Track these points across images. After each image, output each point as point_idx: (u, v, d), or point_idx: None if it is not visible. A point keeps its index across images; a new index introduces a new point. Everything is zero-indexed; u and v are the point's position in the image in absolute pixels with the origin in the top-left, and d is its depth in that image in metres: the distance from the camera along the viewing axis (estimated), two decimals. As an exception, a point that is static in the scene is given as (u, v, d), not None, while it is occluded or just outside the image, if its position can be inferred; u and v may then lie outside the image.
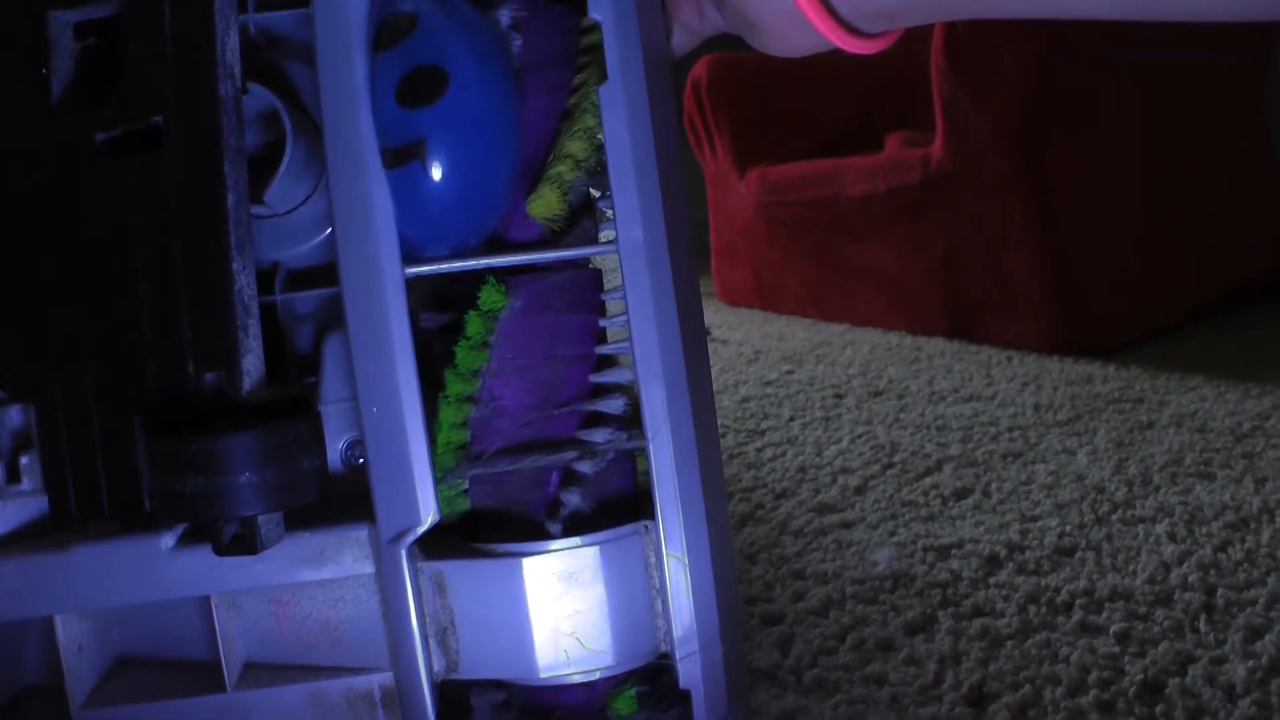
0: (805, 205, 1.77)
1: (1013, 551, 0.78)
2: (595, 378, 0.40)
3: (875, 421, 1.17)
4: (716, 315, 2.00)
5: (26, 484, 0.38)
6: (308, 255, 0.42)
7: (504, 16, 0.38)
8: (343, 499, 0.39)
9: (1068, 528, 0.82)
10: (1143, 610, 0.68)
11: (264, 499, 0.34)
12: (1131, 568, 0.74)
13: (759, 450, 1.10)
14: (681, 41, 0.44)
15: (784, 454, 1.08)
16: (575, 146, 0.38)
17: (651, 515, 0.38)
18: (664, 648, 0.39)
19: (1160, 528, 0.81)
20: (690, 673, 0.38)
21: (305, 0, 0.37)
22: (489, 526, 0.40)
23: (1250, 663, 0.60)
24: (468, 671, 0.38)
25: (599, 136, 0.38)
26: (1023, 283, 1.40)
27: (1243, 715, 0.56)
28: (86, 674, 0.40)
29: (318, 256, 0.42)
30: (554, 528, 0.38)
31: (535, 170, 0.39)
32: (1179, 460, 0.96)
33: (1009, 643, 0.65)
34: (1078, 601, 0.69)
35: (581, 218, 0.41)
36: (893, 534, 0.84)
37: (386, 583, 0.37)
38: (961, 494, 0.92)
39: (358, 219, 0.36)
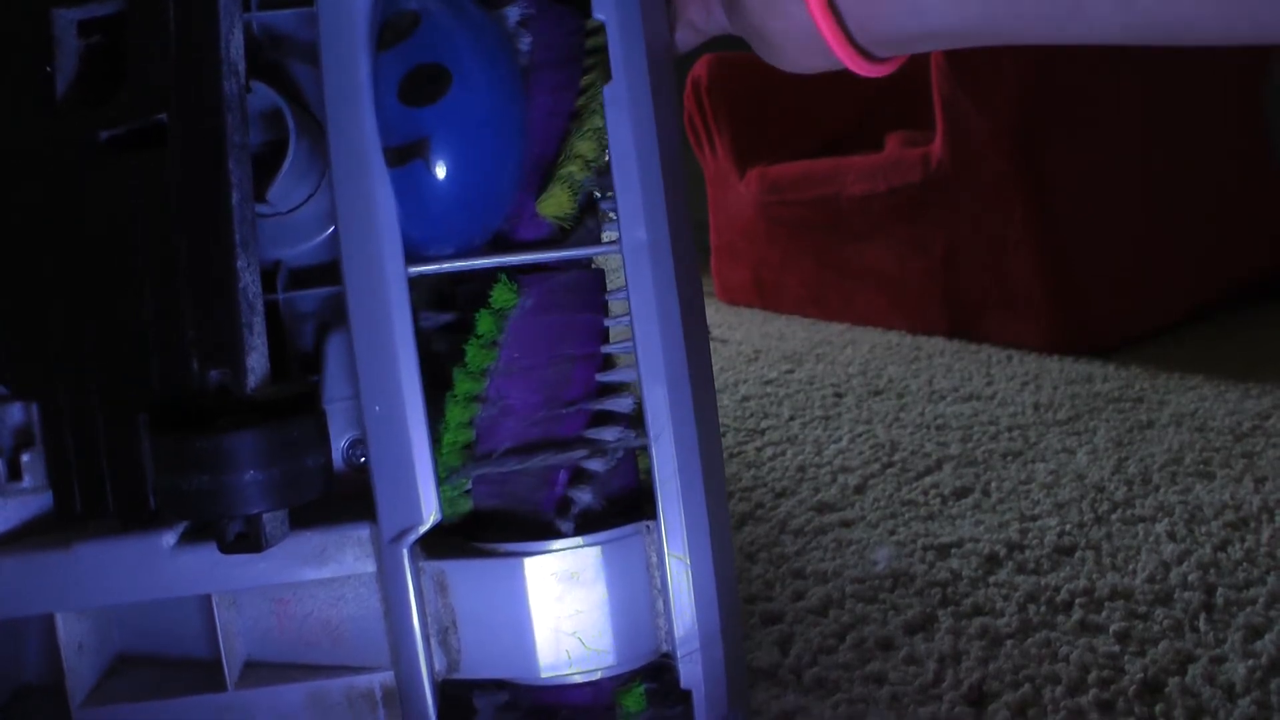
0: (805, 205, 1.77)
1: (1012, 550, 0.78)
2: (602, 377, 0.40)
3: (875, 420, 1.17)
4: (716, 315, 2.00)
5: (27, 481, 0.38)
6: (310, 254, 0.42)
7: (512, 14, 0.38)
8: (344, 498, 0.39)
9: (1067, 527, 0.82)
10: (1142, 609, 0.68)
11: (268, 497, 0.34)
12: (1131, 567, 0.74)
13: (759, 449, 1.10)
14: (686, 38, 0.44)
15: (784, 453, 1.08)
16: (585, 147, 0.38)
17: (653, 514, 0.38)
18: (665, 647, 0.39)
19: (1160, 527, 0.81)
20: (691, 672, 0.38)
21: (309, -1, 0.37)
22: (492, 526, 0.40)
23: (1250, 662, 0.60)
24: (469, 671, 0.38)
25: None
26: (1022, 282, 1.40)
27: (1242, 714, 0.56)
28: (87, 672, 0.40)
29: (320, 255, 0.42)
30: (565, 526, 0.38)
31: (544, 169, 0.39)
32: (1179, 459, 0.96)
33: (1009, 642, 0.65)
34: (1077, 601, 0.69)
35: (585, 217, 0.41)
36: (892, 533, 0.84)
37: (388, 582, 0.37)
38: (961, 493, 0.92)
39: (360, 218, 0.36)
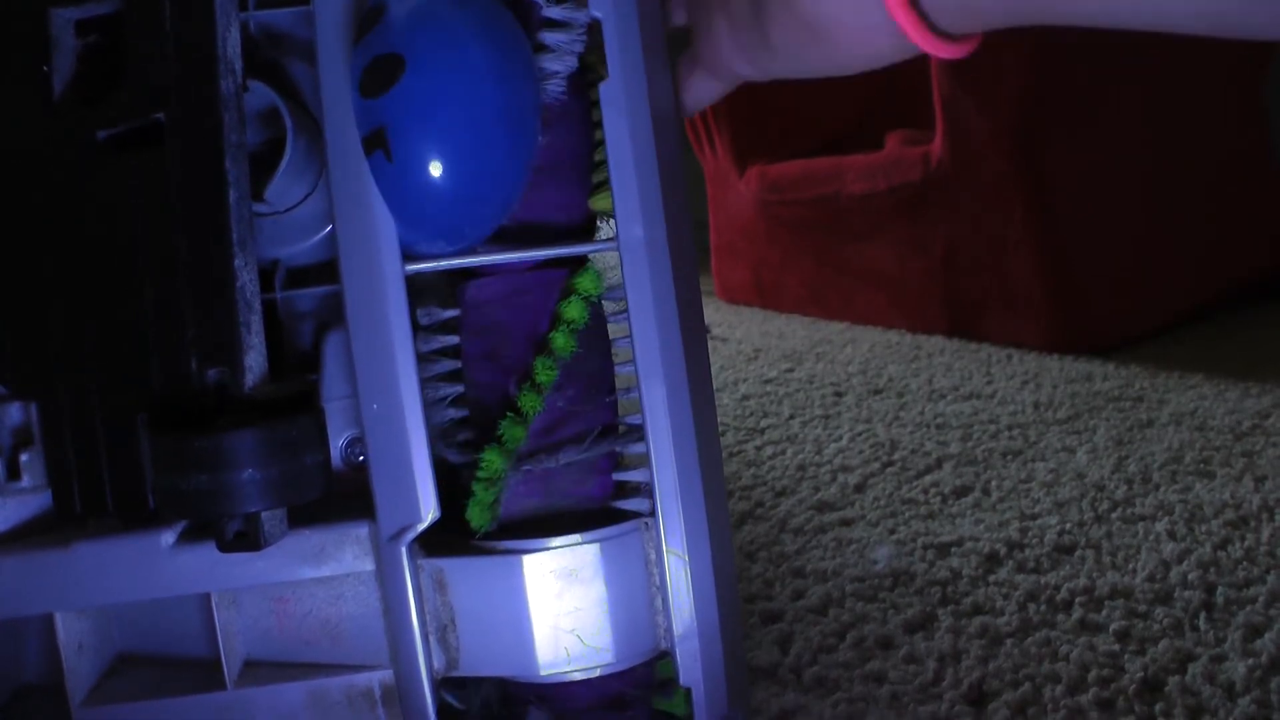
0: (805, 204, 1.77)
1: (1012, 549, 0.78)
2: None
3: (875, 419, 1.17)
4: (716, 313, 2.00)
5: (26, 481, 0.38)
6: (308, 253, 0.42)
7: None
8: (343, 496, 0.39)
9: (1067, 526, 0.82)
10: (1142, 608, 0.68)
11: (267, 495, 0.34)
12: (1131, 566, 0.74)
13: (759, 448, 1.10)
14: (711, 91, 0.43)
15: (784, 452, 1.08)
16: None
17: (652, 512, 0.38)
18: (664, 645, 0.39)
19: (1160, 526, 0.81)
20: (690, 670, 0.38)
21: (305, -3, 0.37)
22: (524, 528, 0.40)
23: (1250, 660, 0.60)
24: (468, 669, 0.38)
25: None
26: (1022, 281, 1.40)
27: (1243, 713, 0.56)
28: (87, 672, 0.40)
29: (318, 254, 0.42)
30: (637, 504, 0.39)
31: (583, 164, 0.39)
32: (1179, 458, 0.96)
33: (1009, 641, 0.65)
34: (1077, 599, 0.69)
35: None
36: (892, 532, 0.84)
37: (387, 580, 0.37)
38: (961, 492, 0.92)
39: (357, 216, 0.36)
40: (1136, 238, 1.41)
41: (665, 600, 0.38)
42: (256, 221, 0.39)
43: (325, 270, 0.42)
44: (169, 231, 0.36)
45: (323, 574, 0.38)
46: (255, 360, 0.36)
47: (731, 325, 1.87)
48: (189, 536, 0.38)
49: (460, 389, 0.40)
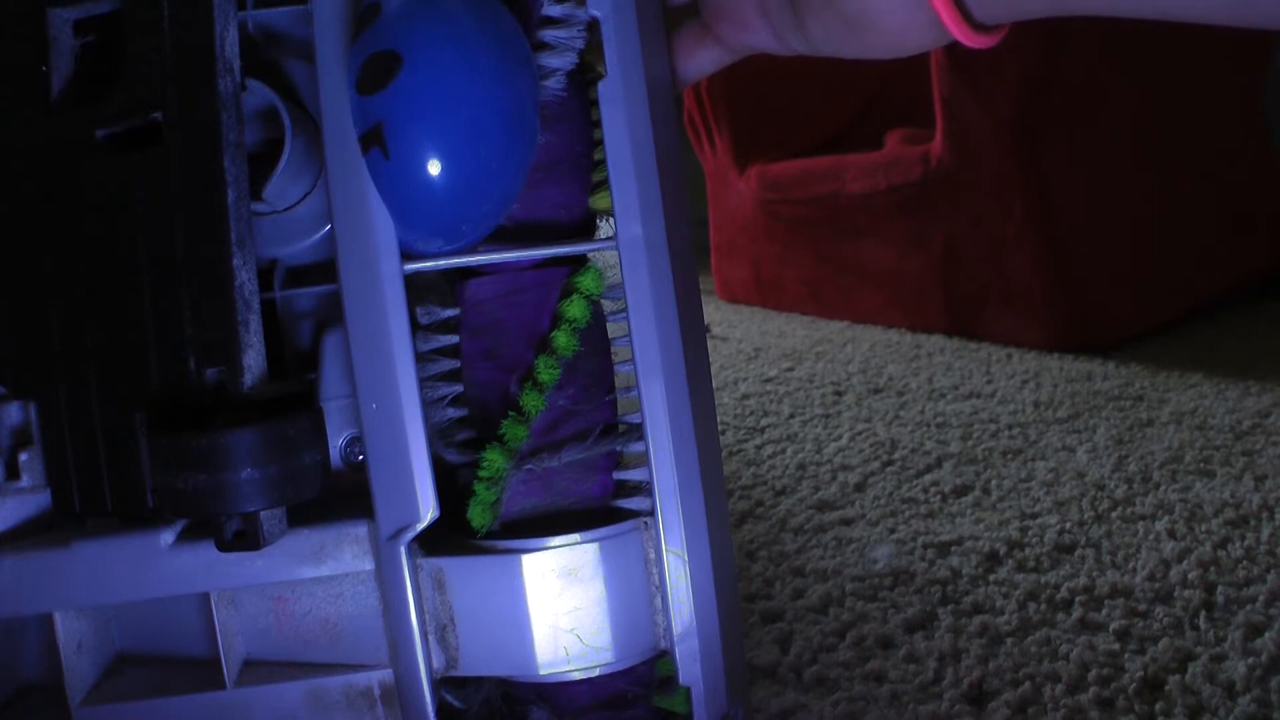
0: (805, 203, 1.77)
1: (1012, 549, 0.78)
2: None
3: (875, 419, 1.17)
4: (716, 312, 2.00)
5: (26, 481, 0.38)
6: (306, 252, 0.42)
7: None
8: (342, 496, 0.39)
9: (1067, 525, 0.82)
10: (1142, 607, 0.68)
11: (266, 494, 0.34)
12: (1131, 565, 0.74)
13: (759, 447, 1.10)
14: (715, 58, 0.42)
15: (784, 451, 1.08)
16: None
17: (644, 514, 0.38)
18: (664, 644, 0.39)
19: (1160, 525, 0.81)
20: (690, 669, 0.38)
21: (304, -3, 0.37)
22: (519, 528, 0.40)
23: (1250, 660, 0.60)
24: (467, 668, 0.38)
25: None
26: (1023, 280, 1.40)
27: (1243, 712, 0.56)
28: (86, 671, 0.40)
29: (316, 253, 0.42)
30: (637, 503, 0.39)
31: (584, 163, 0.40)
32: (1179, 457, 0.96)
33: (1009, 640, 0.65)
34: (1077, 599, 0.69)
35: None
36: (892, 531, 0.84)
37: (386, 579, 0.37)
38: (961, 491, 0.92)
39: (356, 215, 0.36)
40: (1136, 236, 1.41)
41: (665, 599, 0.38)
42: (255, 221, 0.39)
43: (324, 269, 0.42)
44: (167, 231, 0.36)
45: (322, 573, 0.38)
46: (254, 359, 0.36)
47: (731, 324, 1.87)
48: (188, 536, 0.37)
49: (459, 388, 0.40)
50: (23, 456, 0.38)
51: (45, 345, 0.36)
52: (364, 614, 0.39)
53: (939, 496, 0.91)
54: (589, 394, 0.40)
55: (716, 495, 0.40)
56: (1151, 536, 0.79)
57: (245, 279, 0.36)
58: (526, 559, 0.37)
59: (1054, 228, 1.37)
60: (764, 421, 1.20)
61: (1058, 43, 1.29)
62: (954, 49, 1.38)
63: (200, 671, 0.40)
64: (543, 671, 0.37)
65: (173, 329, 0.35)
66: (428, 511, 0.37)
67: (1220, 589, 0.69)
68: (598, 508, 0.40)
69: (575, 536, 0.37)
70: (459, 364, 0.40)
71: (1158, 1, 0.32)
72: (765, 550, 0.81)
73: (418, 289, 0.41)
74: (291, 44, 0.41)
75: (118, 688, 0.40)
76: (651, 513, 0.38)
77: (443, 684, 0.39)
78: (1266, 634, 0.63)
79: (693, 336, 0.39)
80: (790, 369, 1.46)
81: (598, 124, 0.39)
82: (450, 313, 0.40)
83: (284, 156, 0.38)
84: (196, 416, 0.35)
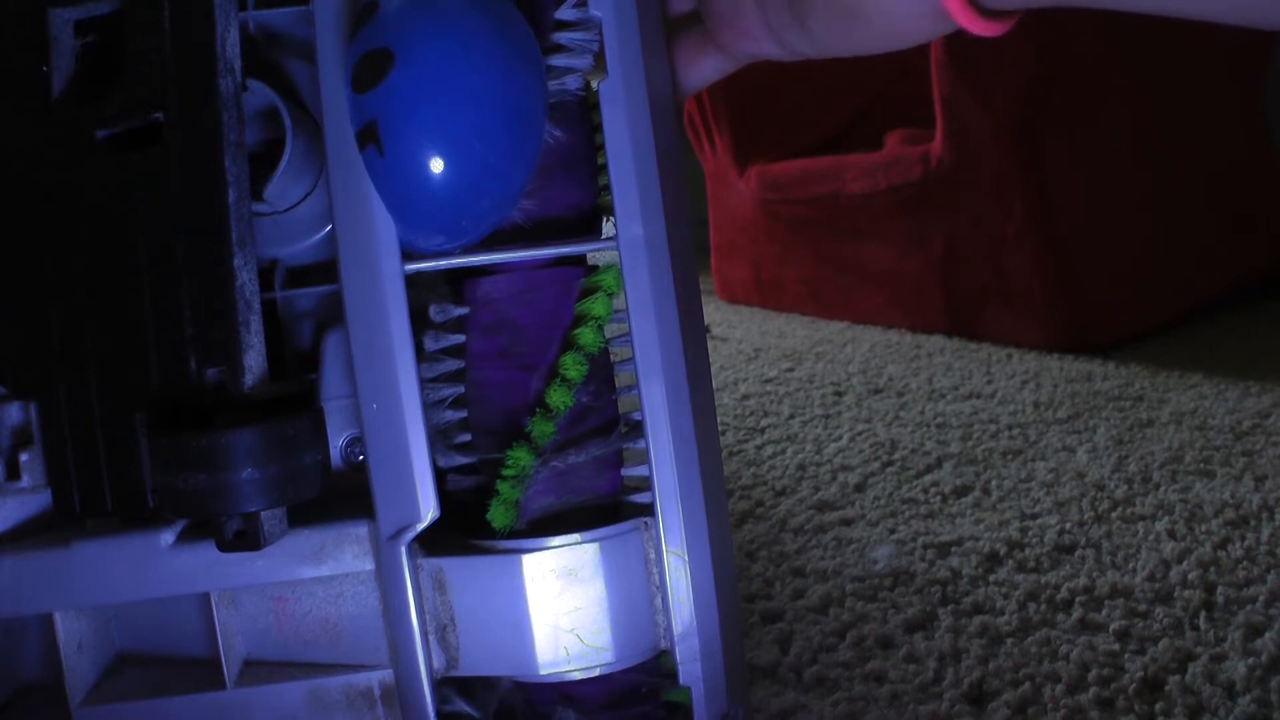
0: (805, 203, 1.77)
1: (1012, 549, 0.78)
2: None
3: (875, 419, 1.17)
4: (716, 313, 2.00)
5: (26, 481, 0.38)
6: (307, 252, 0.42)
7: None
8: (342, 496, 0.39)
9: (1067, 525, 0.82)
10: (1143, 608, 0.68)
11: (267, 494, 0.34)
12: (1131, 565, 0.74)
13: (759, 448, 1.10)
14: (718, 67, 0.42)
15: (784, 451, 1.08)
16: None
17: (649, 513, 0.38)
18: (664, 644, 0.39)
19: (1160, 525, 0.81)
20: (690, 669, 0.38)
21: (305, -3, 0.37)
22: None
23: (1250, 660, 0.60)
24: (468, 668, 0.38)
25: None
26: (1023, 280, 1.40)
27: (1243, 712, 0.56)
28: (86, 671, 0.40)
29: (317, 254, 0.42)
30: (646, 497, 0.39)
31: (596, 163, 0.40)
32: (1179, 458, 0.96)
33: (1009, 640, 0.65)
34: (1078, 599, 0.69)
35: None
36: (892, 531, 0.84)
37: (386, 579, 0.37)
38: (961, 491, 0.92)
39: (357, 215, 0.36)
40: (1136, 236, 1.41)
41: (665, 599, 0.38)
42: (256, 221, 0.39)
43: (325, 270, 0.42)
44: (168, 231, 0.36)
45: (322, 573, 0.38)
46: (254, 359, 0.36)
47: (731, 324, 1.87)
48: (188, 536, 0.37)
49: (460, 389, 0.40)
50: (23, 456, 0.38)
51: (45, 345, 0.36)
52: (364, 614, 0.39)
53: (939, 497, 0.91)
54: (604, 390, 0.40)
55: (717, 495, 0.40)
56: (1151, 537, 0.79)
57: (246, 279, 0.36)
58: (527, 559, 0.37)
59: (1054, 228, 1.37)
60: (764, 422, 1.20)
61: (1058, 42, 1.29)
62: (955, 46, 1.38)
63: (200, 671, 0.40)
64: (543, 671, 0.37)
65: (173, 329, 0.35)
66: (428, 511, 0.37)
67: (1220, 589, 0.69)
68: (608, 505, 0.40)
69: (575, 536, 0.37)
70: (463, 364, 0.40)
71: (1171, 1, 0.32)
72: (765, 550, 0.81)
73: (419, 288, 0.41)
74: (292, 44, 0.41)
75: (118, 688, 0.40)
76: (652, 513, 0.38)
77: (453, 692, 0.39)
78: (1266, 634, 0.63)
79: (693, 336, 0.39)
80: (790, 369, 1.46)
81: (598, 128, 0.39)
82: (462, 311, 0.40)
83: (285, 157, 0.38)
84: (197, 416, 0.35)
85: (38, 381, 0.37)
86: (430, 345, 0.40)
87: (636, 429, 0.40)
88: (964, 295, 1.51)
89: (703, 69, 0.43)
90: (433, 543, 0.38)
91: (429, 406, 0.39)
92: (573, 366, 0.39)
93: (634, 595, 0.38)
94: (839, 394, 1.30)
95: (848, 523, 0.86)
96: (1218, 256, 1.52)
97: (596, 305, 0.39)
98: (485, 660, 0.38)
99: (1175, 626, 0.65)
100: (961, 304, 1.52)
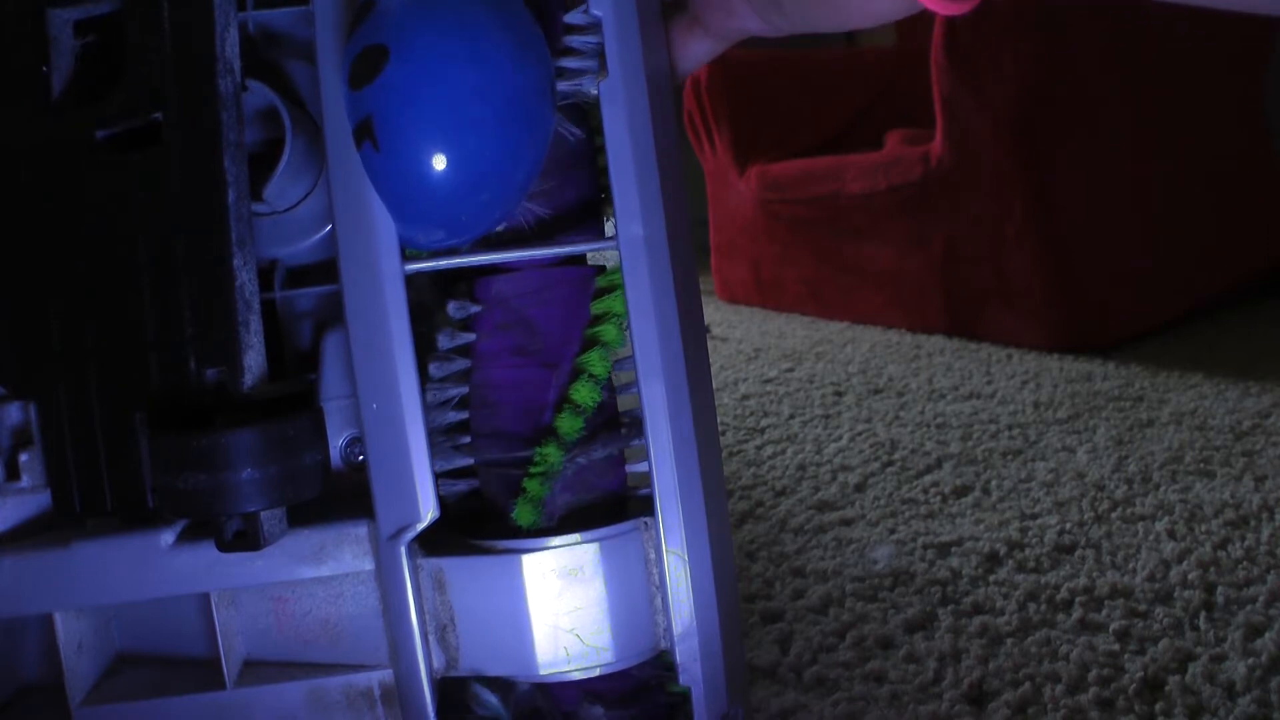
0: (805, 203, 1.77)
1: (1012, 549, 0.78)
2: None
3: (875, 419, 1.17)
4: (716, 313, 2.00)
5: (26, 481, 0.38)
6: (307, 252, 0.42)
7: None
8: (342, 496, 0.39)
9: (1067, 525, 0.82)
10: (1143, 608, 0.68)
11: (266, 494, 0.34)
12: (1131, 565, 0.74)
13: (759, 448, 1.10)
14: (708, 49, 0.42)
15: (784, 451, 1.08)
16: None
17: (650, 512, 0.38)
18: (664, 644, 0.39)
19: (1160, 525, 0.81)
20: (690, 669, 0.38)
21: (304, -2, 0.37)
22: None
23: (1250, 660, 0.60)
24: (468, 668, 0.38)
25: None
26: (1022, 280, 1.40)
27: (1243, 713, 0.56)
28: (86, 671, 0.40)
29: (317, 254, 0.42)
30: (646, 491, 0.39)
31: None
32: (1179, 458, 0.96)
33: (1009, 640, 0.65)
34: (1078, 599, 0.69)
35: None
36: (892, 531, 0.84)
37: (386, 579, 0.37)
38: (961, 491, 0.92)
39: (357, 215, 0.36)
40: (1136, 236, 1.41)
41: (665, 599, 0.38)
42: (255, 221, 0.39)
43: (324, 270, 0.42)
44: (168, 231, 0.36)
45: (322, 573, 0.38)
46: (254, 359, 0.36)
47: (731, 325, 1.87)
48: (188, 536, 0.37)
49: (465, 390, 0.40)
50: (23, 456, 0.38)
51: (45, 345, 0.36)
52: (364, 614, 0.39)
53: (939, 497, 0.91)
54: (611, 387, 0.41)
55: (716, 495, 0.40)
56: (1151, 537, 0.79)
57: (245, 279, 0.36)
58: (527, 559, 0.37)
59: (1054, 228, 1.37)
60: (764, 422, 1.20)
61: (1058, 43, 1.29)
62: (954, 46, 1.38)
63: (200, 671, 0.40)
64: (543, 671, 0.37)
65: (173, 329, 0.35)
66: (428, 511, 0.37)
67: (1220, 589, 0.69)
68: (616, 501, 0.40)
69: (575, 536, 0.37)
70: (470, 364, 0.40)
71: None
72: (765, 550, 0.81)
73: (451, 279, 0.41)
74: (292, 44, 0.41)
75: (118, 688, 0.40)
76: (652, 513, 0.38)
77: (481, 686, 0.39)
78: (1266, 634, 0.63)
79: (693, 336, 0.39)
80: (790, 369, 1.46)
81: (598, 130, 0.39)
82: (477, 308, 0.40)
83: (284, 157, 0.38)
84: (197, 416, 0.35)
85: (38, 381, 0.37)
86: (444, 343, 0.39)
87: (636, 426, 0.40)
88: (964, 295, 1.51)
89: (694, 52, 0.43)
90: (433, 543, 0.38)
91: (436, 407, 0.39)
92: (598, 363, 0.39)
93: (634, 595, 0.38)
94: (839, 394, 1.30)
95: (848, 523, 0.86)
96: (1218, 256, 1.52)
97: (617, 303, 0.39)
98: (485, 660, 0.38)
99: (1175, 626, 0.65)
100: (961, 304, 1.52)
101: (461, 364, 0.40)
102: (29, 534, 0.39)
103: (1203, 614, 0.66)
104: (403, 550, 0.37)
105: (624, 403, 0.41)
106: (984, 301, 1.48)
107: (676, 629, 0.38)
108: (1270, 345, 1.36)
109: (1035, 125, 1.35)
